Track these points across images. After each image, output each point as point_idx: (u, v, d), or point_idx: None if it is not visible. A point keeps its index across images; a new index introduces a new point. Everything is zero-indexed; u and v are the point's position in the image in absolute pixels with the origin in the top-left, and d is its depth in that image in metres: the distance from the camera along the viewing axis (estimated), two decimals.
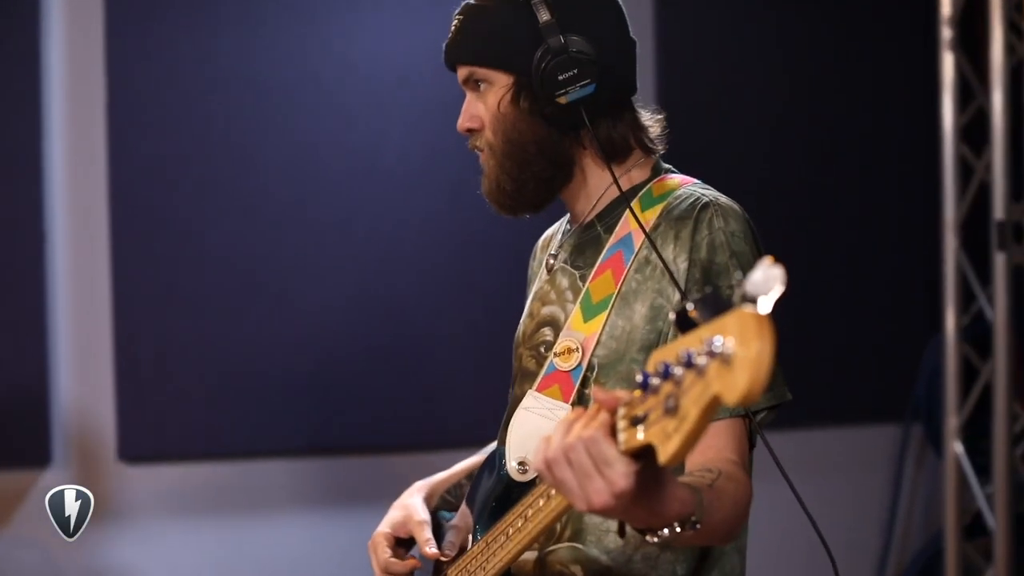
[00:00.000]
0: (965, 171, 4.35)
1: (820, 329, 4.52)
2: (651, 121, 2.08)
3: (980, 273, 4.33)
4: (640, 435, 1.39)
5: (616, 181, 1.98)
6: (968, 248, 4.32)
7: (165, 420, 3.90)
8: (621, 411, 1.43)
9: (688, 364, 1.31)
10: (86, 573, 3.89)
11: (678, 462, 1.36)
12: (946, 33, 4.28)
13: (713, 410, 1.30)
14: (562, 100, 1.95)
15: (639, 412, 1.40)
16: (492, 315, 3.94)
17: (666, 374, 1.35)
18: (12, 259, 3.82)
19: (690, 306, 1.33)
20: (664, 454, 1.35)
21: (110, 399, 3.88)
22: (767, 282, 1.27)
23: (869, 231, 4.62)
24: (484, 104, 2.03)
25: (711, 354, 1.28)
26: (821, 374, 4.46)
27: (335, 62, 4.04)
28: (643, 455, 1.43)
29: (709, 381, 1.28)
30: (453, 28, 2.06)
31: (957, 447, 4.29)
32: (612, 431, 1.45)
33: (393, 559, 2.12)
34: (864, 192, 4.62)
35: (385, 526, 2.17)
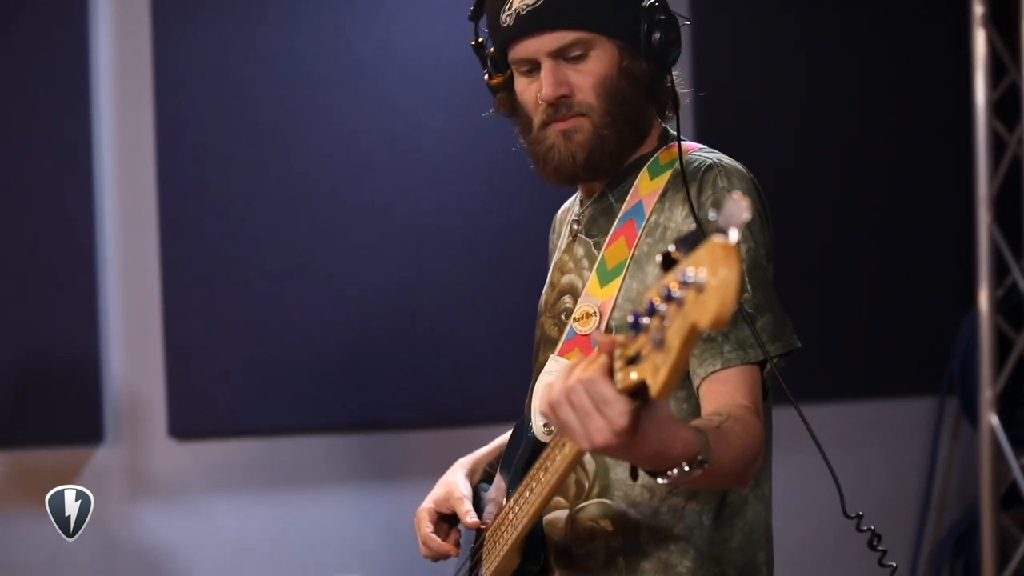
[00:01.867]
0: (998, 146, 4.37)
1: (856, 303, 4.53)
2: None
3: (1013, 246, 4.35)
4: (633, 374, 1.45)
5: (679, 138, 2.05)
6: (1001, 222, 4.34)
7: (214, 397, 3.97)
8: (618, 352, 1.49)
9: (669, 298, 1.38)
10: (136, 548, 3.96)
11: (669, 394, 1.41)
12: (978, 9, 4.30)
13: (694, 338, 1.36)
14: (672, 60, 2.03)
15: (632, 351, 1.46)
16: (530, 295, 3.95)
17: (652, 311, 1.41)
18: (65, 242, 3.89)
19: (672, 247, 1.40)
20: (655, 387, 1.41)
21: (160, 377, 3.95)
22: (736, 214, 1.33)
23: (903, 206, 4.61)
24: (582, 70, 2.03)
25: (685, 285, 1.35)
26: (857, 348, 4.47)
27: (376, 47, 4.08)
28: (641, 393, 1.49)
29: (687, 311, 1.35)
30: None
31: (992, 419, 4.32)
32: (610, 372, 1.50)
33: (432, 535, 2.20)
34: (898, 167, 4.62)
35: (428, 502, 2.25)
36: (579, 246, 2.14)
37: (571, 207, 2.30)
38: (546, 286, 2.23)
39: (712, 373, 1.90)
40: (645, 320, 1.43)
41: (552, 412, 1.56)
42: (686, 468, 1.62)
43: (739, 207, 1.33)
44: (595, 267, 2.06)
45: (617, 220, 2.07)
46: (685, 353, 1.38)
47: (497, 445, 2.36)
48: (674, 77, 2.10)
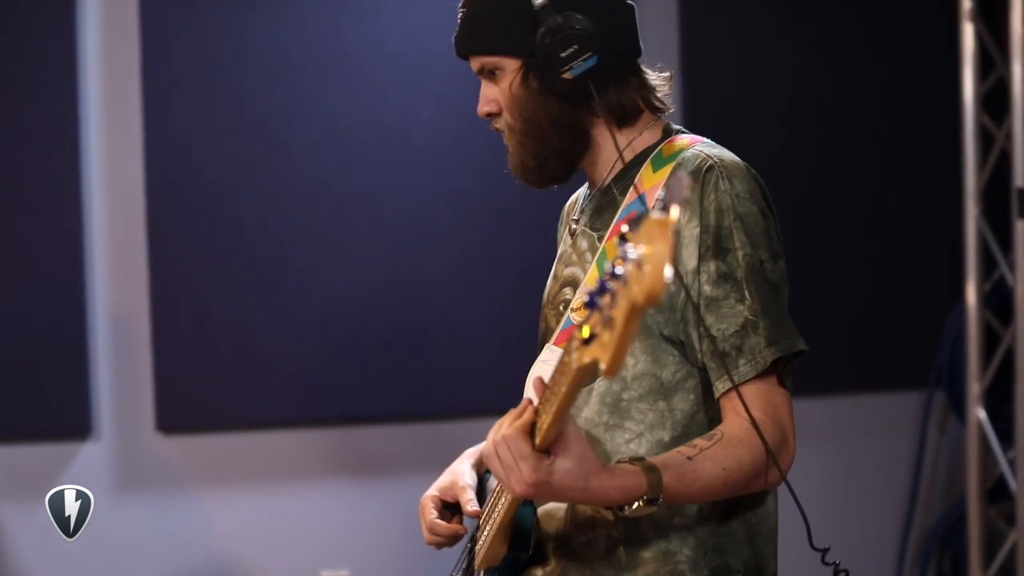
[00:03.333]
0: (986, 140, 4.37)
1: (843, 297, 4.54)
2: (659, 81, 2.14)
3: (1001, 240, 4.35)
4: (587, 357, 1.50)
5: (618, 148, 2.07)
6: (989, 216, 4.35)
7: (201, 391, 3.96)
8: (576, 333, 1.54)
9: (614, 276, 1.42)
10: (124, 543, 3.95)
11: (619, 370, 1.46)
12: (967, 3, 4.29)
13: (637, 314, 1.40)
14: (567, 76, 2.02)
15: (587, 332, 1.50)
16: (521, 288, 3.97)
17: (603, 290, 1.45)
18: (52, 234, 3.88)
19: (625, 228, 1.42)
20: (604, 365, 1.45)
21: (148, 371, 3.94)
22: (677, 191, 1.36)
23: (891, 199, 4.62)
24: (499, 88, 2.10)
25: (627, 262, 1.39)
26: (844, 341, 4.48)
27: (364, 37, 4.08)
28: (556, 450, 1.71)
29: (629, 287, 1.39)
30: (459, 21, 2.12)
31: (979, 413, 4.32)
32: (531, 429, 1.72)
33: (439, 521, 2.21)
34: (886, 161, 4.62)
35: (433, 490, 2.26)
36: (583, 239, 2.14)
37: (578, 199, 2.30)
38: (550, 278, 2.24)
39: (729, 391, 1.94)
40: (598, 299, 1.47)
41: (488, 461, 1.79)
42: (641, 503, 1.79)
43: (681, 184, 1.37)
44: (596, 259, 2.07)
45: (619, 213, 2.07)
46: (630, 330, 1.42)
47: None
48: (646, 77, 2.11)
